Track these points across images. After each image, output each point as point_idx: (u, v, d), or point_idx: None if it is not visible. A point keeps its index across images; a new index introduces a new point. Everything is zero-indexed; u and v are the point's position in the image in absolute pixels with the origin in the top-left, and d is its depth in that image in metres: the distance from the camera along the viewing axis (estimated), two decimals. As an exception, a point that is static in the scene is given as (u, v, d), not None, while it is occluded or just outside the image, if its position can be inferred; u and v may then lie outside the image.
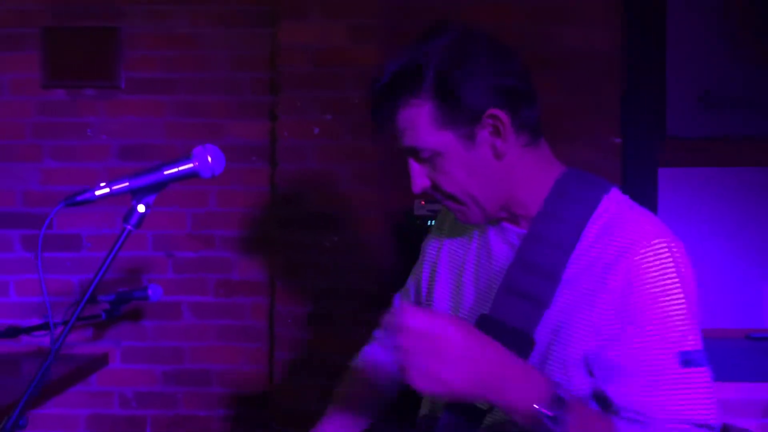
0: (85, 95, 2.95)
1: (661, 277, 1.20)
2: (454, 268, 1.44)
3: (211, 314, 2.95)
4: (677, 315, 1.20)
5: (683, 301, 1.21)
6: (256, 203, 2.94)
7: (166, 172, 1.21)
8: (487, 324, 1.25)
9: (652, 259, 1.21)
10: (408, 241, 2.17)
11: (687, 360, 1.19)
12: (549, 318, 1.24)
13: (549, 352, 1.24)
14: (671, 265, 1.21)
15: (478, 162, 1.26)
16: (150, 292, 2.24)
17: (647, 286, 1.20)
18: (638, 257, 1.21)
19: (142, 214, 1.20)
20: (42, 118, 2.95)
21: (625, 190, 2.76)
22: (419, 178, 1.30)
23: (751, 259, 2.86)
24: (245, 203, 2.94)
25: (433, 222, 1.59)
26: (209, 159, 1.21)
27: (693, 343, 1.21)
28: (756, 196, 2.85)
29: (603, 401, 1.22)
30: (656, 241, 1.22)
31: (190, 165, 1.21)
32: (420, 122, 1.23)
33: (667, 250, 1.22)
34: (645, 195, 2.75)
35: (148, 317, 2.95)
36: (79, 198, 1.19)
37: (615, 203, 1.30)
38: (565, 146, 2.82)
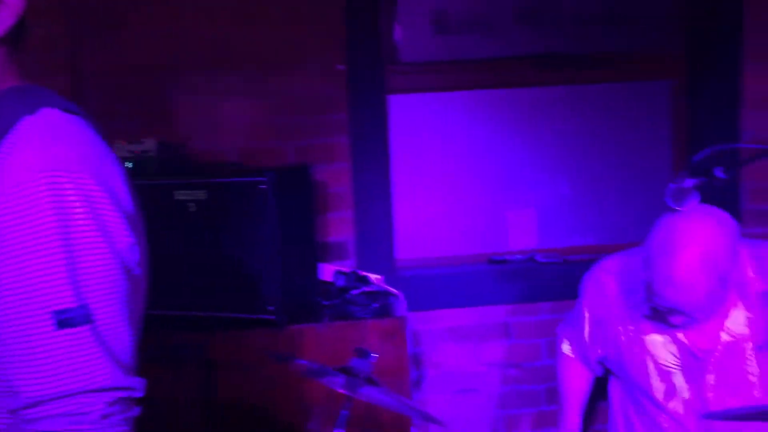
0: None
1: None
2: None
3: None
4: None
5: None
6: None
7: None
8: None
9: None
10: None
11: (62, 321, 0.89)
12: None
13: None
14: (43, 203, 0.87)
15: None
16: None
17: None
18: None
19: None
20: None
21: (354, 118, 2.64)
22: None
23: (492, 183, 2.84)
24: None
25: None
26: None
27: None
28: (490, 118, 2.82)
29: None
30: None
31: None
32: None
33: (48, 186, 0.88)
34: (375, 122, 2.60)
35: None
36: None
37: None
38: (290, 74, 2.64)
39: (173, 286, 2.21)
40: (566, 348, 2.08)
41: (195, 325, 2.19)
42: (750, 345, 1.68)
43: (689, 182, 1.39)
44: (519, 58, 2.77)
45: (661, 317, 1.68)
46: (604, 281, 1.93)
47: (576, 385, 2.08)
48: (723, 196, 2.73)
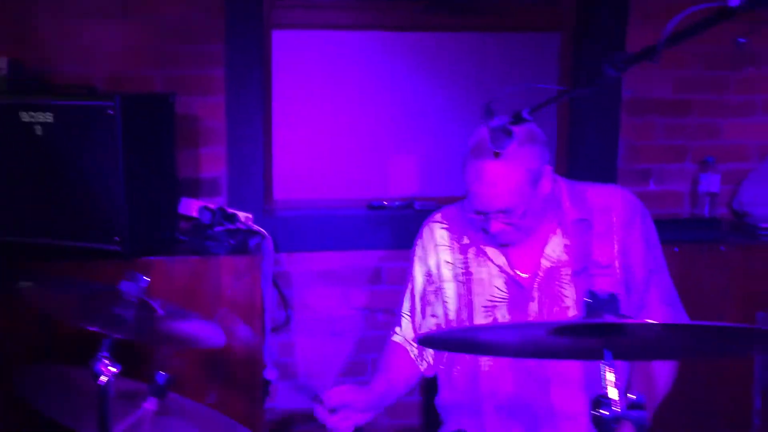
0: None
1: None
2: None
3: None
4: None
5: None
6: None
7: None
8: None
9: None
10: None
11: None
12: None
13: None
14: None
15: None
16: None
17: None
18: None
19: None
20: None
21: (231, 50, 2.54)
22: None
23: (376, 128, 2.79)
24: None
25: None
26: None
27: None
28: (378, 62, 2.76)
29: None
30: None
31: None
32: None
33: None
34: (254, 56, 2.52)
35: None
36: None
37: None
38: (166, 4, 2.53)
39: (17, 210, 2.12)
40: (398, 337, 1.96)
41: (39, 253, 2.12)
42: (568, 271, 1.73)
43: (497, 121, 1.37)
44: (409, 1, 2.71)
45: (485, 231, 1.71)
46: (434, 231, 1.89)
47: (396, 374, 1.95)
48: (599, 155, 2.77)
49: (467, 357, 1.85)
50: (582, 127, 2.78)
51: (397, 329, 1.97)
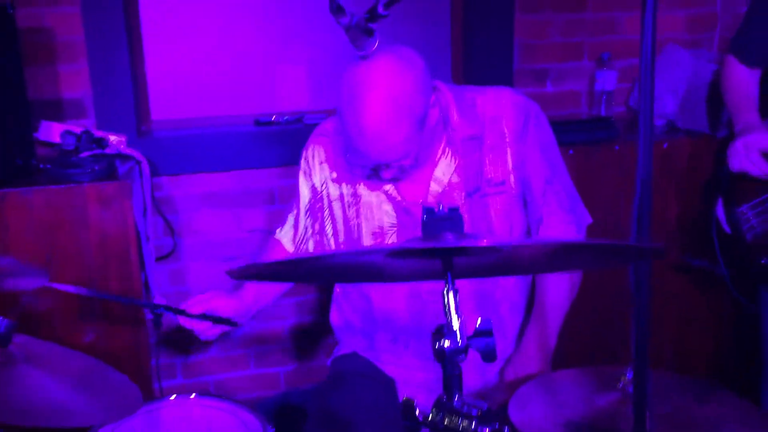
0: None
1: None
2: None
3: None
4: None
5: None
6: None
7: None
8: None
9: None
10: None
11: None
12: None
13: None
14: None
15: None
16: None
17: None
18: None
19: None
20: None
21: None
22: None
23: (261, 37, 2.59)
24: None
25: None
26: None
27: None
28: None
29: None
30: None
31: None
32: None
33: None
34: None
35: None
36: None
37: None
38: None
39: None
40: (279, 235, 1.84)
41: None
42: (461, 193, 1.61)
43: (344, 20, 1.22)
44: None
45: (374, 174, 1.56)
46: (321, 147, 1.76)
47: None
48: (495, 57, 2.65)
49: (361, 289, 1.76)
50: (475, 28, 2.64)
51: (278, 229, 1.85)
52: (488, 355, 0.91)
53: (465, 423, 0.82)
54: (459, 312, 0.91)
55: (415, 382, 1.72)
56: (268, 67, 2.63)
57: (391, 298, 1.71)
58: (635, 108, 2.72)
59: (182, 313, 1.64)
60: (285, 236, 1.83)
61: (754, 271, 2.00)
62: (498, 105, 1.63)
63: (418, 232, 1.62)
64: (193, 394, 1.63)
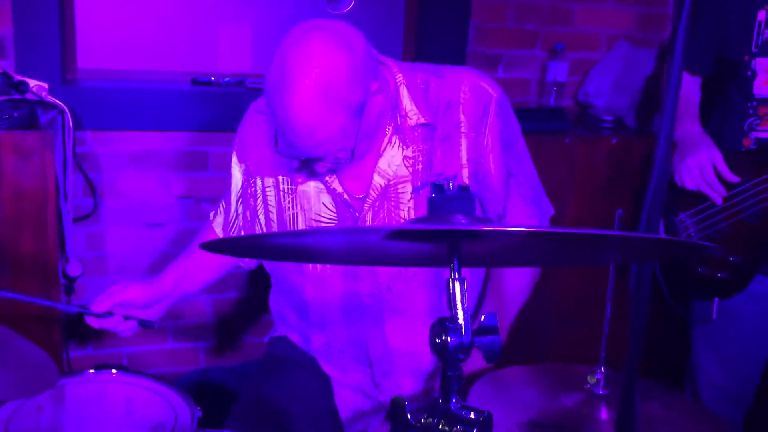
0: None
1: None
2: None
3: None
4: None
5: None
6: None
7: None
8: None
9: None
10: None
11: None
12: None
13: None
14: None
15: None
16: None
17: None
18: None
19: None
20: None
21: None
22: None
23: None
24: None
25: None
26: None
27: None
28: None
29: None
30: None
31: None
32: None
33: None
34: None
35: None
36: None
37: None
38: None
39: None
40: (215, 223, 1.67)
41: None
42: (407, 188, 1.45)
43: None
44: None
45: (307, 167, 1.41)
46: (256, 125, 1.55)
47: (198, 263, 1.66)
48: (449, 38, 2.57)
49: (295, 285, 1.59)
50: (430, 7, 2.55)
51: (211, 214, 1.68)
52: (492, 355, 0.81)
53: (463, 429, 0.74)
54: (465, 304, 0.81)
55: (351, 383, 1.61)
56: (209, 23, 2.46)
57: (326, 300, 1.56)
58: (583, 102, 2.70)
59: (93, 314, 1.49)
60: (217, 224, 1.66)
61: (690, 280, 2.00)
62: (454, 89, 1.44)
63: (357, 224, 1.44)
64: (114, 370, 1.48)
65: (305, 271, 1.54)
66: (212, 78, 2.46)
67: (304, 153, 1.32)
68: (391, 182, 1.44)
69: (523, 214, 1.54)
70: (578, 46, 2.71)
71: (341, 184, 1.46)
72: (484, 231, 0.77)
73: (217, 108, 2.39)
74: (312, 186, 1.48)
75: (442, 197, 0.80)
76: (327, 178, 1.46)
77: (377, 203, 1.45)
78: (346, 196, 1.46)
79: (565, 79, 2.63)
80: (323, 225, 1.48)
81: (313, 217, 1.49)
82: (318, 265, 1.52)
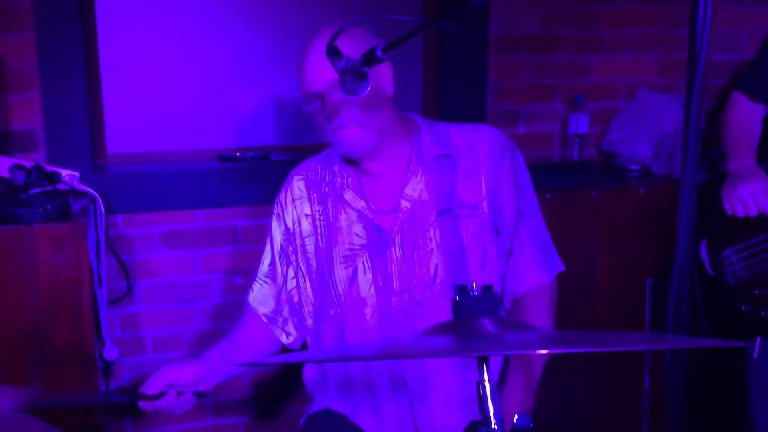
0: None
1: None
2: None
3: None
4: None
5: None
6: None
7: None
8: None
9: None
10: None
11: None
12: None
13: None
14: None
15: None
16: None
17: None
18: None
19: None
20: None
21: None
22: None
23: (224, 71, 2.48)
24: None
25: None
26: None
27: None
28: (225, 2, 2.44)
29: None
30: None
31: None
32: None
33: None
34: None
35: None
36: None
37: None
38: None
39: None
40: (252, 302, 1.78)
41: None
42: (432, 211, 1.60)
43: (340, 64, 1.13)
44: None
45: (321, 113, 1.59)
46: (296, 185, 1.74)
47: (244, 342, 1.77)
48: (468, 97, 2.59)
49: (334, 323, 1.66)
50: (449, 67, 2.58)
51: (250, 294, 1.79)
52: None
53: None
54: (496, 404, 0.80)
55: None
56: (231, 100, 2.51)
57: (363, 319, 1.64)
58: (607, 152, 2.69)
59: (147, 398, 1.56)
60: (254, 300, 1.78)
61: (734, 316, 1.96)
62: (474, 136, 1.65)
63: (388, 251, 1.57)
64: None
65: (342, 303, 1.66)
66: (238, 153, 2.50)
67: (305, 86, 1.58)
68: (417, 205, 1.60)
69: (530, 259, 1.65)
70: (598, 96, 2.72)
71: (371, 207, 1.62)
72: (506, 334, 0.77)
73: (243, 182, 2.43)
74: (344, 220, 1.64)
75: (466, 299, 0.80)
76: (358, 206, 1.62)
77: (405, 226, 1.60)
78: (376, 220, 1.61)
79: (587, 131, 2.63)
80: (355, 253, 1.62)
81: (347, 247, 1.63)
82: (353, 291, 1.64)
